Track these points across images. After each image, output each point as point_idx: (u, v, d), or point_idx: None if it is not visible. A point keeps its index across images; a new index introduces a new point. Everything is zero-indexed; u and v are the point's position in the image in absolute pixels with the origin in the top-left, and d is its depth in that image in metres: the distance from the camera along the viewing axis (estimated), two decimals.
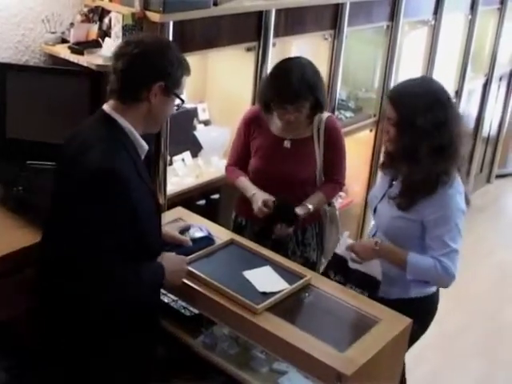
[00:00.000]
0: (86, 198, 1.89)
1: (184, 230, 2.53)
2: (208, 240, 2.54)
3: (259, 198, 2.76)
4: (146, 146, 2.07)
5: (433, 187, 2.31)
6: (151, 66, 1.99)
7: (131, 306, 2.02)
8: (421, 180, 2.31)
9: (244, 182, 2.90)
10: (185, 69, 2.08)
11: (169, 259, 2.18)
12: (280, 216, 2.76)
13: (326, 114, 2.90)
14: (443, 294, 4.23)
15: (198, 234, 2.54)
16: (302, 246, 2.96)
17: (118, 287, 1.95)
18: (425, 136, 2.28)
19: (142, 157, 2.07)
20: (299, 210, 2.79)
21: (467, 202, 2.44)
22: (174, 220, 2.69)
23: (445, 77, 5.03)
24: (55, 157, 2.12)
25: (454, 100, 2.47)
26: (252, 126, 2.92)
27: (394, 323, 2.18)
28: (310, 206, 2.86)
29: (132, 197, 1.92)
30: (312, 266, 2.87)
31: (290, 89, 2.67)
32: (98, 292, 1.93)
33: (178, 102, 2.10)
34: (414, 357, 2.72)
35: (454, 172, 2.33)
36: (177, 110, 2.14)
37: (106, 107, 2.03)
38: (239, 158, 2.98)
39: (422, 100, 2.29)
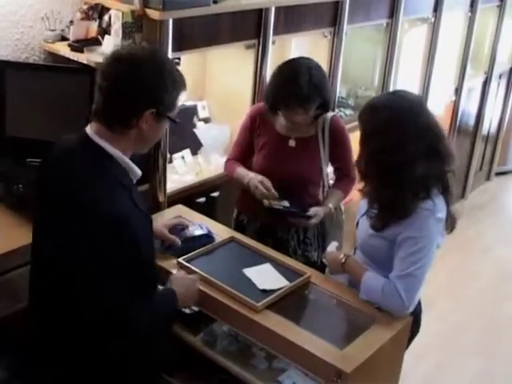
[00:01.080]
0: (92, 245, 1.78)
1: (176, 229, 2.51)
2: (208, 238, 2.54)
3: (253, 183, 2.77)
4: (139, 172, 1.95)
5: (398, 213, 2.17)
6: (142, 93, 1.82)
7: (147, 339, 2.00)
8: (384, 205, 2.21)
9: (240, 172, 2.90)
10: (181, 87, 1.91)
11: (180, 283, 2.15)
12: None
13: (330, 114, 2.90)
14: (443, 291, 4.29)
15: (198, 232, 2.54)
16: (303, 244, 2.96)
17: (136, 330, 1.90)
18: (373, 156, 2.19)
19: (135, 181, 1.96)
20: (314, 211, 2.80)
21: (452, 227, 2.29)
22: (173, 217, 2.68)
23: (444, 75, 5.05)
24: (37, 181, 2.00)
25: (426, 120, 2.23)
26: (257, 122, 2.91)
27: (393, 321, 2.18)
28: (331, 205, 2.87)
29: (136, 233, 1.83)
30: (312, 265, 2.87)
31: (299, 94, 2.68)
32: (117, 337, 1.89)
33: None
34: (413, 355, 2.72)
35: (410, 198, 2.16)
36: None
37: (90, 132, 1.87)
38: (241, 154, 2.98)
39: (379, 118, 2.19)
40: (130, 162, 1.92)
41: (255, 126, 2.92)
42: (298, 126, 2.82)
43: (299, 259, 2.77)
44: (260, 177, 2.79)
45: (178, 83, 1.91)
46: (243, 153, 2.97)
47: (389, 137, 2.16)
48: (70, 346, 2.00)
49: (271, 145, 2.89)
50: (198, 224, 2.59)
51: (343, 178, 2.97)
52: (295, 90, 2.68)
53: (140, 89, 1.81)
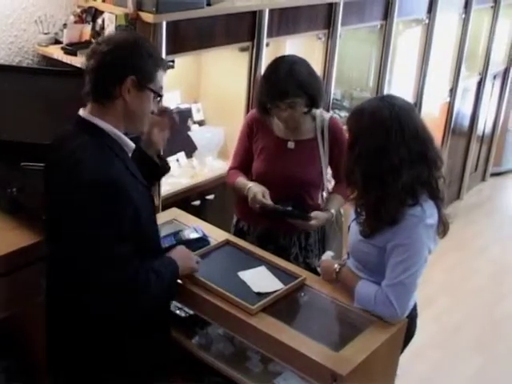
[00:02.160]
0: (91, 210, 1.87)
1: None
2: (203, 241, 2.54)
3: (252, 191, 2.73)
4: (132, 145, 2.05)
5: (387, 220, 2.14)
6: (120, 61, 1.96)
7: (152, 306, 2.06)
8: (370, 212, 2.19)
9: (241, 181, 2.85)
10: (158, 62, 2.04)
11: (177, 253, 2.23)
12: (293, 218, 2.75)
13: (328, 115, 2.88)
14: (440, 291, 4.30)
15: (193, 235, 2.53)
16: (304, 251, 2.91)
17: (143, 290, 1.97)
18: (357, 161, 2.17)
19: (130, 154, 2.06)
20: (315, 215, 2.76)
21: (444, 232, 2.25)
22: (167, 221, 2.68)
23: (439, 76, 5.06)
24: (43, 171, 2.13)
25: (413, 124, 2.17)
26: (254, 127, 2.88)
27: (389, 323, 2.17)
28: (333, 211, 2.83)
29: (133, 198, 1.93)
30: (313, 272, 2.84)
31: (278, 85, 2.65)
32: (125, 301, 1.94)
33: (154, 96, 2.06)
34: (411, 355, 2.71)
35: (394, 204, 2.13)
36: (158, 102, 2.12)
37: (82, 113, 2.02)
38: (242, 162, 2.94)
39: (364, 123, 2.16)
40: (123, 135, 2.02)
41: (253, 132, 2.89)
42: (292, 124, 2.78)
43: (300, 266, 2.73)
44: (260, 188, 2.74)
45: (155, 57, 2.04)
46: (244, 161, 2.93)
47: (373, 142, 2.13)
48: (71, 350, 2.06)
49: (270, 148, 2.85)
50: (193, 227, 2.59)
51: (343, 182, 2.92)
52: (274, 82, 2.67)
53: (117, 59, 1.96)
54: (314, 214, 2.76)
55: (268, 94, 2.71)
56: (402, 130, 2.13)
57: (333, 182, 3.01)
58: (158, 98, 2.08)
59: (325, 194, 2.95)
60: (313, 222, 2.75)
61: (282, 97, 2.67)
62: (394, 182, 2.12)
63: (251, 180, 2.86)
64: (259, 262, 2.46)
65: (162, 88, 2.06)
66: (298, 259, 2.90)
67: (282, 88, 2.65)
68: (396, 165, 2.12)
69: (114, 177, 1.89)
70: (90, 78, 1.98)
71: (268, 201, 2.71)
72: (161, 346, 2.20)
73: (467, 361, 3.76)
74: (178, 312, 2.47)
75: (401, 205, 2.14)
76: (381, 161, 2.12)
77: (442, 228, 2.24)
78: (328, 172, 2.95)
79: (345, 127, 2.91)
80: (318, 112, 2.83)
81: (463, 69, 5.24)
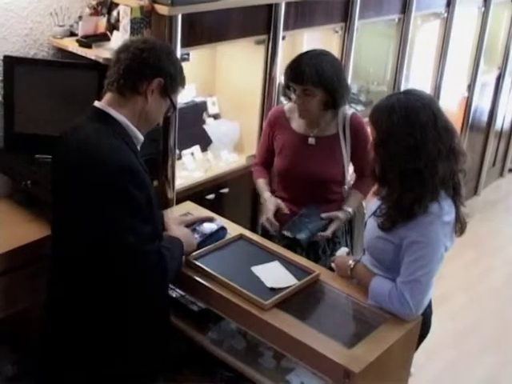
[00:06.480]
0: (111, 195, 1.91)
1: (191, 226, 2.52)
2: (223, 230, 2.53)
3: (270, 206, 2.76)
4: (141, 137, 2.09)
5: (410, 213, 2.12)
6: (156, 61, 2.02)
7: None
8: (395, 204, 2.16)
9: (260, 184, 2.90)
10: (184, 80, 2.15)
11: (178, 231, 2.31)
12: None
13: (350, 111, 2.84)
14: (456, 289, 4.26)
15: (212, 227, 2.51)
16: (332, 244, 2.88)
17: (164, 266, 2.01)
18: (395, 159, 2.12)
19: (138, 147, 2.09)
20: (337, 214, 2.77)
21: (461, 230, 2.23)
22: (181, 215, 2.67)
23: (457, 70, 5.00)
24: (51, 166, 2.16)
25: (442, 117, 2.15)
26: (275, 126, 2.88)
27: (403, 320, 2.15)
28: (350, 210, 2.81)
29: (148, 184, 2.00)
30: None
31: (298, 67, 2.65)
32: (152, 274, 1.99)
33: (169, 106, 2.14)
34: (426, 353, 2.69)
35: (428, 199, 2.11)
36: (166, 115, 2.20)
37: (98, 104, 2.06)
38: (265, 159, 2.96)
39: (398, 120, 2.10)
40: (134, 128, 2.06)
41: (274, 129, 2.88)
42: (304, 114, 2.74)
43: (328, 259, 2.73)
44: (273, 204, 2.77)
45: (183, 73, 2.13)
46: (266, 158, 2.95)
47: (410, 139, 2.09)
48: (81, 342, 2.06)
49: (290, 145, 2.83)
50: (202, 218, 2.57)
51: (363, 178, 2.86)
52: (296, 65, 2.67)
53: (154, 58, 2.03)
54: (331, 214, 2.74)
55: (288, 74, 2.71)
56: (436, 124, 2.11)
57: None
58: (172, 110, 2.16)
59: (347, 189, 2.91)
60: (327, 233, 2.74)
61: (298, 79, 2.66)
62: (431, 178, 2.10)
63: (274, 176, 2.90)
64: (273, 256, 2.45)
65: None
66: (326, 252, 2.87)
67: (301, 70, 2.64)
68: (434, 160, 2.10)
69: (130, 163, 1.94)
70: (119, 68, 2.02)
71: (284, 210, 2.75)
72: (163, 337, 2.21)
73: (481, 361, 3.72)
74: (190, 306, 2.46)
75: (435, 200, 2.12)
76: (419, 157, 2.09)
77: (460, 226, 2.22)
78: (350, 168, 2.92)
79: (365, 120, 2.89)
80: (340, 109, 2.80)
81: (482, 63, 5.17)
